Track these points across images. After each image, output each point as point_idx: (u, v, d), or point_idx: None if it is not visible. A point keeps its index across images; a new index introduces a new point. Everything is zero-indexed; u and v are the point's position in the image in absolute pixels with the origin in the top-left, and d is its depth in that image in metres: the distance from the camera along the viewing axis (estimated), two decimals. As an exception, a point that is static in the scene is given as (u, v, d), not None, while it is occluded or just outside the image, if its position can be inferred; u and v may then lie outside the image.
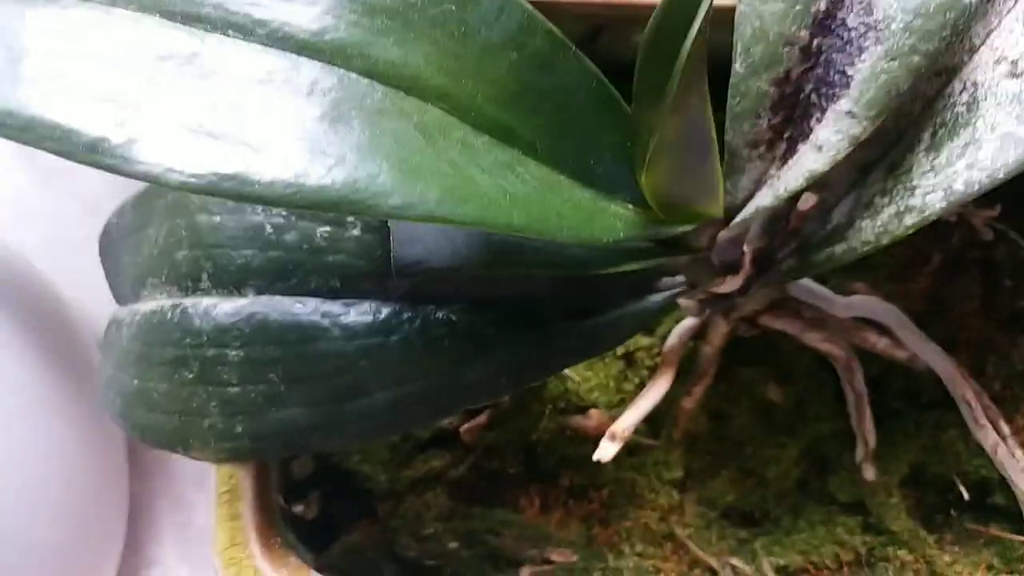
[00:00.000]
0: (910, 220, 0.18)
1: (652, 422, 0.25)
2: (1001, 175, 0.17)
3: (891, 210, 0.18)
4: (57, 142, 0.13)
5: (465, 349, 0.20)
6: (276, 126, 0.15)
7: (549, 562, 0.24)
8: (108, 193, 0.39)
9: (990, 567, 0.24)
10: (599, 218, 0.18)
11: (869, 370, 0.24)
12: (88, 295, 0.36)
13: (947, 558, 0.24)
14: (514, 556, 0.24)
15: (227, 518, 0.20)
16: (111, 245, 0.24)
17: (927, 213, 0.17)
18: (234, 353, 0.20)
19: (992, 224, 0.25)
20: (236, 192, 0.14)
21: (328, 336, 0.20)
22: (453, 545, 0.24)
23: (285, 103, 0.15)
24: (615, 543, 0.24)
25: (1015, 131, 0.17)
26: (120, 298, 0.23)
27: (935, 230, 0.25)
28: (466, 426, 0.24)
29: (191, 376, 0.20)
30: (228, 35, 0.15)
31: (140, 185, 0.23)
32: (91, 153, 0.14)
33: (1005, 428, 0.23)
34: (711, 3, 0.15)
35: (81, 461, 0.33)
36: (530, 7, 0.17)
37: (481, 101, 0.17)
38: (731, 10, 0.18)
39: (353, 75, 0.16)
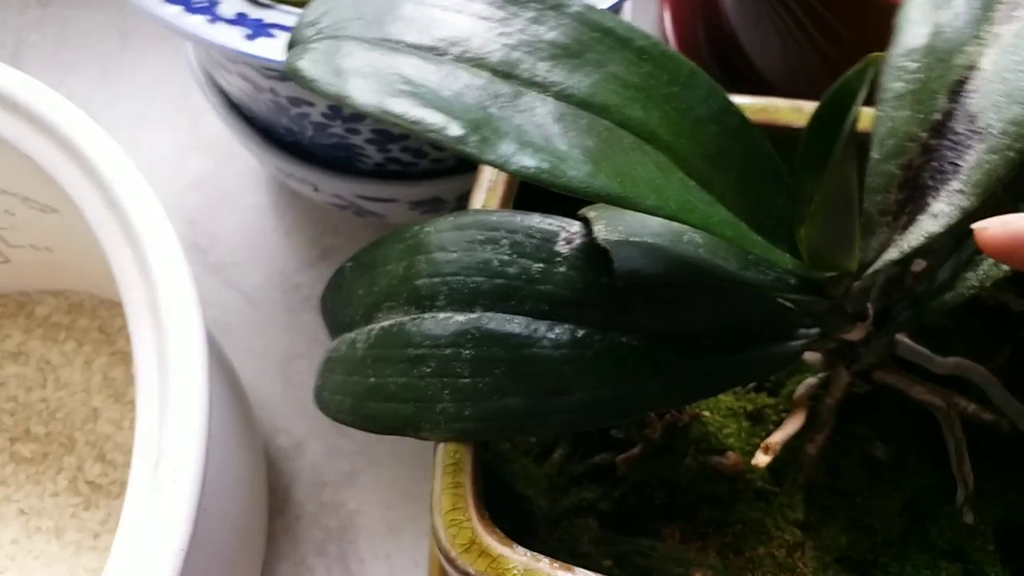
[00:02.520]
0: (1007, 266, 0.23)
1: (774, 473, 0.30)
2: (1077, 231, 0.22)
3: (989, 262, 0.24)
4: (436, 134, 0.20)
5: (644, 367, 0.25)
6: (570, 146, 0.21)
7: (692, 580, 0.27)
8: (262, 286, 0.45)
9: (1078, 615, 0.27)
10: (772, 252, 0.24)
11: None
12: (241, 365, 0.41)
13: (1040, 605, 0.27)
14: (661, 574, 0.27)
15: (451, 486, 0.24)
16: (341, 285, 0.29)
17: (1021, 261, 0.23)
18: (467, 352, 0.25)
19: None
20: (548, 182, 0.20)
21: (540, 344, 0.25)
22: (607, 563, 0.28)
23: (573, 133, 0.21)
24: (748, 569, 0.28)
25: (1085, 201, 0.23)
26: (345, 326, 0.29)
27: (1005, 324, 0.31)
28: (622, 456, 0.29)
29: (428, 370, 0.25)
30: (532, 89, 0.22)
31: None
32: (457, 144, 0.20)
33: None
34: (860, 104, 0.21)
35: (240, 518, 0.37)
36: (728, 96, 0.24)
37: (692, 156, 0.23)
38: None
39: (613, 125, 0.22)
